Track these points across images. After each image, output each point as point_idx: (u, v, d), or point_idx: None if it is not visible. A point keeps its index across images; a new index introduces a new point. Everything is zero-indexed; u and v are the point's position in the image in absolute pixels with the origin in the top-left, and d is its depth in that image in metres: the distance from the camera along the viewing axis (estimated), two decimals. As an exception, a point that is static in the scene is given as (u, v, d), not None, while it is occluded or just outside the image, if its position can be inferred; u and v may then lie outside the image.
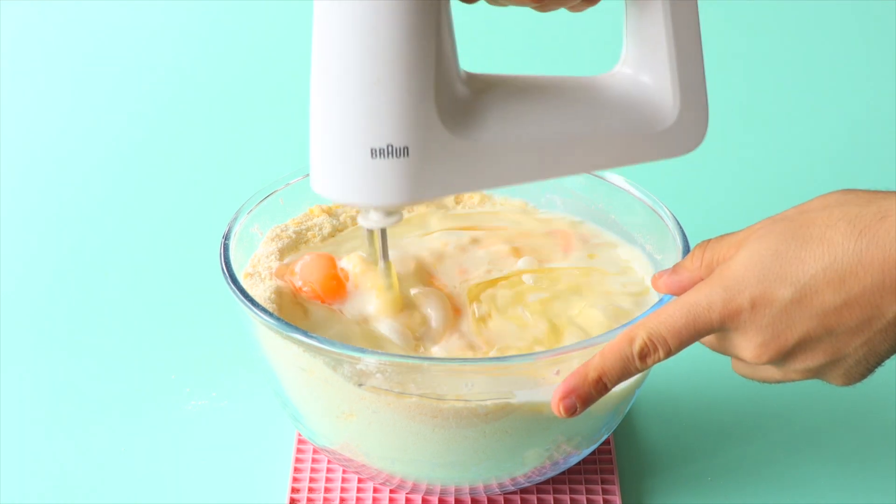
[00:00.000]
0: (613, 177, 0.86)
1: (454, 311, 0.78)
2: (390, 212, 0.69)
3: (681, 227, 0.79)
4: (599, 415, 0.74)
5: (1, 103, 1.27)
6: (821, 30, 1.34)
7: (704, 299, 0.64)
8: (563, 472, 0.81)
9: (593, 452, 0.83)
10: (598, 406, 0.69)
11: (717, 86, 1.28)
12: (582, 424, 0.73)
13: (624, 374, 0.66)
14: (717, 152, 1.23)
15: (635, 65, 0.71)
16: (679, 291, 0.69)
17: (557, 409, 0.67)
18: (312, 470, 0.82)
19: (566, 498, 0.80)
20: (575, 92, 0.70)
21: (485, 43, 1.32)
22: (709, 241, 0.68)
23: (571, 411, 0.67)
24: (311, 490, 0.81)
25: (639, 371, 0.67)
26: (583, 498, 0.80)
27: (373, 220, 0.69)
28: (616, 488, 0.81)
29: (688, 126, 0.70)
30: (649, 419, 0.88)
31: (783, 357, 0.64)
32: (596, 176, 0.87)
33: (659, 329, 0.65)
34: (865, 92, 1.29)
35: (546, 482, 0.81)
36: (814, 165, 1.21)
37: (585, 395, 0.67)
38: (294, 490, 0.81)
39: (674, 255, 0.78)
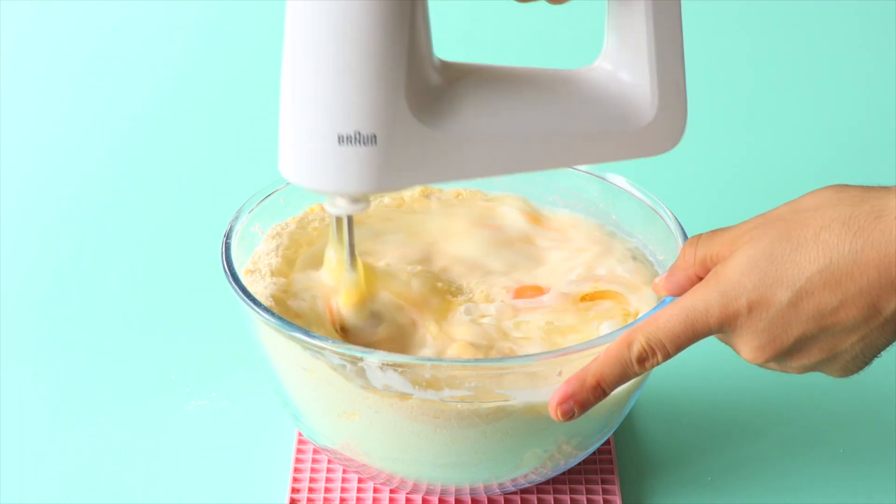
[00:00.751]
0: (614, 177, 0.86)
1: (411, 324, 0.77)
2: (357, 199, 0.68)
3: (681, 227, 0.79)
4: (600, 416, 0.74)
5: (1, 103, 1.27)
6: (816, 26, 1.34)
7: (702, 304, 0.64)
8: (563, 473, 0.81)
9: (593, 452, 0.83)
10: (599, 407, 0.69)
11: (717, 86, 1.28)
12: (582, 425, 0.73)
13: (622, 379, 0.67)
14: (717, 152, 1.23)
15: (615, 61, 0.70)
16: (678, 292, 0.69)
17: (555, 413, 0.67)
18: (312, 470, 0.82)
19: (566, 498, 0.80)
20: (552, 85, 0.69)
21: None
22: (699, 236, 0.68)
23: (569, 416, 0.67)
24: (311, 490, 0.81)
25: (637, 375, 0.67)
26: (583, 498, 0.80)
27: (339, 207, 0.68)
28: (616, 488, 0.81)
29: (665, 126, 0.69)
30: (649, 419, 0.88)
31: (781, 357, 0.64)
32: (597, 176, 0.87)
33: (657, 334, 0.65)
34: (860, 88, 1.29)
35: (546, 482, 0.81)
36: (814, 165, 1.21)
37: (583, 401, 0.67)
38: (294, 490, 0.81)
39: (674, 256, 0.78)
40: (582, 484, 0.81)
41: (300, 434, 0.85)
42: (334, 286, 0.76)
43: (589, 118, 0.68)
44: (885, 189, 0.62)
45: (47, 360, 0.95)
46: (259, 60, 1.34)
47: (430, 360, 0.71)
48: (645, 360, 0.66)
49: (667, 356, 0.66)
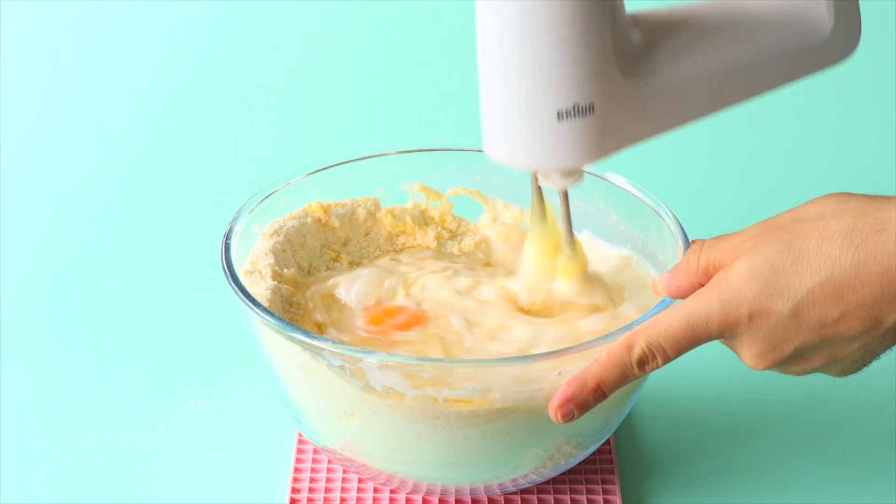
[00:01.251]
0: (614, 177, 0.86)
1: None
2: (571, 171, 0.69)
3: (681, 227, 0.79)
4: (600, 416, 0.74)
5: (1, 104, 1.27)
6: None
7: (703, 310, 0.64)
8: (563, 473, 0.81)
9: (593, 452, 0.83)
10: (599, 408, 0.69)
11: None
12: (582, 425, 0.73)
13: (622, 381, 0.67)
14: (717, 152, 1.23)
15: None
16: (678, 295, 0.69)
17: (555, 415, 0.67)
18: (312, 470, 0.82)
19: (566, 498, 0.80)
20: (736, 17, 0.70)
21: None
22: (703, 242, 0.68)
23: (569, 418, 0.67)
24: (311, 490, 0.81)
25: (637, 378, 0.67)
26: (583, 498, 0.80)
27: (555, 181, 0.70)
28: (616, 488, 0.81)
29: (842, 35, 0.71)
30: (649, 419, 0.88)
31: (782, 363, 0.65)
32: (596, 176, 0.87)
33: (658, 338, 0.65)
34: (862, 88, 1.29)
35: (546, 482, 0.81)
36: (815, 165, 1.21)
37: (583, 403, 0.67)
38: (294, 490, 0.81)
39: (674, 256, 0.78)
40: (582, 484, 0.81)
41: (300, 434, 0.85)
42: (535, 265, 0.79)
43: (774, 41, 0.70)
44: (886, 199, 0.62)
45: (47, 361, 0.95)
46: (259, 60, 1.34)
47: (429, 360, 0.71)
48: (645, 364, 0.66)
49: (666, 360, 0.66)
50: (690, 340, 0.65)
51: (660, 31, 0.68)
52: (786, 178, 1.20)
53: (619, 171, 0.86)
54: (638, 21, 0.68)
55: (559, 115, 0.64)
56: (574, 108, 0.64)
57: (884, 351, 0.64)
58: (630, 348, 0.66)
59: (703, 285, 0.67)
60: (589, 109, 0.64)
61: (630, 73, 0.66)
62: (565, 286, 0.78)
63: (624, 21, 0.66)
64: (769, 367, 0.65)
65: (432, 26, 1.36)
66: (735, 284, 0.63)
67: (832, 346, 0.63)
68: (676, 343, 0.65)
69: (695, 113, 0.69)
